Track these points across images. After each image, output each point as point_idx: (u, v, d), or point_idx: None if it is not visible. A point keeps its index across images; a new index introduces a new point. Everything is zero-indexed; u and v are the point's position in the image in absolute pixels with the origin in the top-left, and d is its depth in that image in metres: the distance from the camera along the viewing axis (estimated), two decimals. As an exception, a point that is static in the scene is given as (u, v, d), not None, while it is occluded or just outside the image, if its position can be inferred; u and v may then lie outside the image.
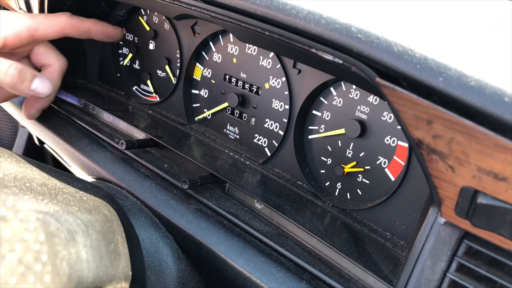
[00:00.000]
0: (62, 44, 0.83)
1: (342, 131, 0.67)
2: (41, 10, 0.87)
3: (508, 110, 0.36)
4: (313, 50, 0.50)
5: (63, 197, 0.48)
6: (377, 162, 0.65)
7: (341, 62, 0.48)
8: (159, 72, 0.91)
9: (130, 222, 0.61)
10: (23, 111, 0.84)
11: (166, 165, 0.75)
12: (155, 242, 0.63)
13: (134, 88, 0.96)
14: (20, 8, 0.94)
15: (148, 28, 0.89)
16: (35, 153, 1.53)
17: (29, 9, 0.90)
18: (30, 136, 1.54)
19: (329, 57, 0.49)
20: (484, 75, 0.38)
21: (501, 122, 0.37)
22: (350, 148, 0.67)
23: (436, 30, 0.45)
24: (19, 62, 0.72)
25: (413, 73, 0.40)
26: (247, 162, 0.78)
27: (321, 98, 0.70)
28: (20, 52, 0.80)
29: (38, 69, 0.84)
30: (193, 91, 0.87)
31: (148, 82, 0.92)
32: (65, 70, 0.84)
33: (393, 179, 0.63)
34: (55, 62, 0.81)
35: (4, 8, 1.04)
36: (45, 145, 1.08)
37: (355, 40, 0.43)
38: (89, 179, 0.79)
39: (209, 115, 0.85)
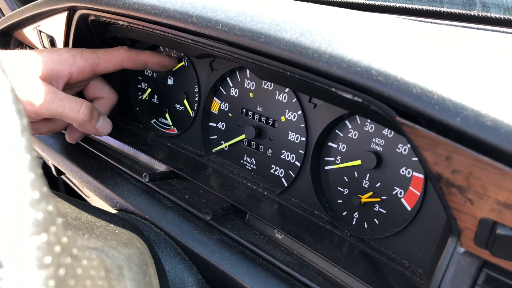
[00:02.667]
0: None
1: (358, 162, 0.70)
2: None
3: (523, 147, 0.39)
4: (333, 89, 0.54)
5: (99, 231, 0.50)
6: (393, 193, 0.67)
7: (360, 100, 0.51)
8: (177, 106, 0.94)
9: (157, 253, 0.63)
10: (67, 134, 0.87)
11: (187, 196, 0.78)
12: (180, 273, 0.65)
13: (152, 121, 0.99)
14: (44, 46, 0.99)
15: (167, 64, 0.93)
16: (49, 182, 1.56)
17: (53, 46, 0.95)
18: (44, 165, 1.57)
19: (349, 96, 0.52)
20: (500, 113, 0.41)
21: (516, 158, 0.39)
22: (367, 179, 0.70)
23: (453, 68, 0.48)
24: (85, 100, 0.77)
25: (432, 113, 0.43)
26: (265, 192, 0.80)
27: (336, 131, 0.73)
28: (79, 86, 0.84)
29: (90, 101, 0.87)
30: (211, 123, 0.90)
31: (167, 115, 0.95)
32: (115, 104, 0.88)
33: (409, 208, 0.66)
34: (109, 95, 0.86)
35: (28, 46, 1.09)
36: (62, 176, 1.11)
37: (375, 82, 0.46)
38: (112, 210, 0.81)
39: (226, 146, 0.88)
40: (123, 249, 0.44)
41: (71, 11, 0.85)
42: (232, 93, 0.86)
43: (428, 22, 0.96)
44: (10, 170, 0.24)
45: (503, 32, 0.86)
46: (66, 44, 0.91)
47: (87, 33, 0.89)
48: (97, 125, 0.79)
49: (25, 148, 0.27)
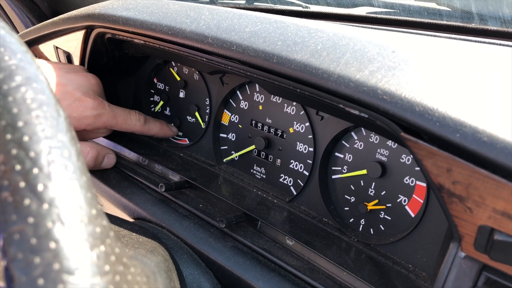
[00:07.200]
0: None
1: (364, 171, 0.74)
2: (82, 63, 0.96)
3: (517, 161, 0.43)
4: (341, 106, 0.58)
5: (126, 240, 0.54)
6: (398, 200, 0.71)
7: (366, 116, 0.55)
8: (188, 118, 0.98)
9: (176, 260, 0.67)
10: None
11: (201, 205, 0.82)
12: (197, 278, 0.69)
13: (165, 132, 1.03)
14: (60, 61, 1.03)
15: (178, 79, 0.98)
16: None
17: (70, 62, 0.99)
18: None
19: (356, 112, 0.56)
20: (495, 129, 0.45)
21: (511, 171, 0.43)
22: (372, 187, 0.74)
23: (452, 84, 0.52)
24: (93, 145, 0.87)
25: (433, 130, 0.47)
26: (275, 201, 0.84)
27: (343, 142, 0.77)
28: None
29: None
30: (221, 135, 0.94)
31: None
32: None
33: (413, 215, 0.70)
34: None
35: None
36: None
37: (381, 101, 0.50)
38: (129, 219, 0.85)
39: (236, 156, 0.92)
40: (152, 257, 0.48)
41: (89, 29, 0.89)
42: (242, 105, 0.90)
43: (428, 35, 1.00)
44: (74, 191, 0.28)
45: (499, 44, 0.90)
46: (82, 60, 0.96)
47: (103, 50, 0.93)
48: (101, 165, 0.90)
49: (81, 171, 0.31)
